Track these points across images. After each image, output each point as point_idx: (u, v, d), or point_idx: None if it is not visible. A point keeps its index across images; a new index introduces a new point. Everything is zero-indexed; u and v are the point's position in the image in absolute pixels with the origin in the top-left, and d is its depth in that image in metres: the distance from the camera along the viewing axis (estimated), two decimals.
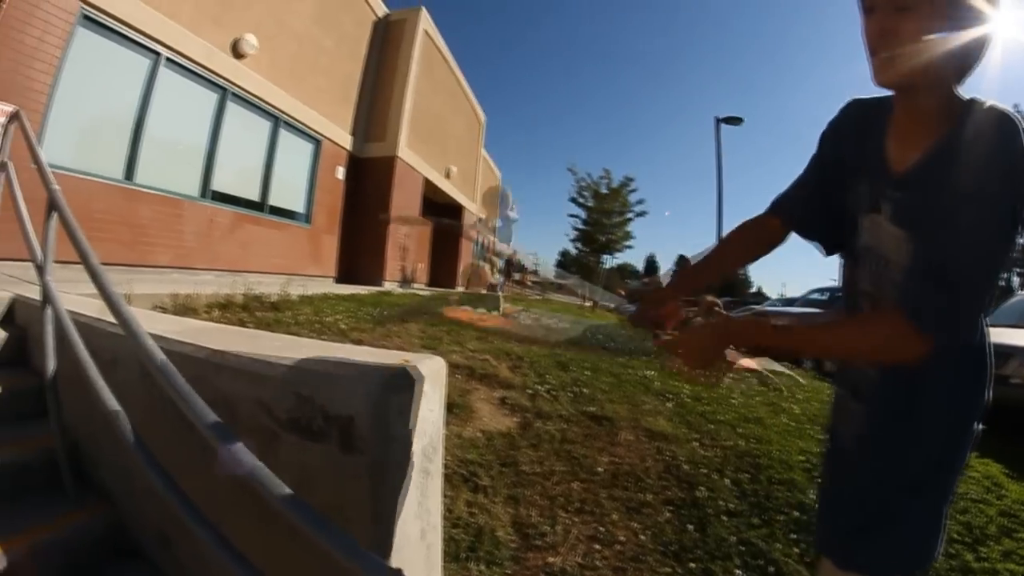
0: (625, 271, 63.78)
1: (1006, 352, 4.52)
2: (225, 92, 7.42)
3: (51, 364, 1.94)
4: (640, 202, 17.82)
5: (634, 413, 3.53)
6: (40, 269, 2.07)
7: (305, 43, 9.15)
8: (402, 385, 1.41)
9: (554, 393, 3.74)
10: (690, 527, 2.43)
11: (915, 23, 0.83)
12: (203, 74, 6.95)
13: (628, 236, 18.04)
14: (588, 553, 2.26)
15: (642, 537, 2.37)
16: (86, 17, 5.24)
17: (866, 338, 0.90)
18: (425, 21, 12.34)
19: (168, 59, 6.32)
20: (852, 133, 1.09)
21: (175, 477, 1.25)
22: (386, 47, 11.83)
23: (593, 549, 2.28)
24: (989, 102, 0.86)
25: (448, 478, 2.48)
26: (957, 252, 0.82)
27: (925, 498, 0.99)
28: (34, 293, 2.70)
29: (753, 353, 1.04)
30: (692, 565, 2.20)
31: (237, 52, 7.50)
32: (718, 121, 14.79)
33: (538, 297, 22.16)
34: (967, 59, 0.87)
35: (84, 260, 1.57)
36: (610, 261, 20.57)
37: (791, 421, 3.65)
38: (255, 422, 1.46)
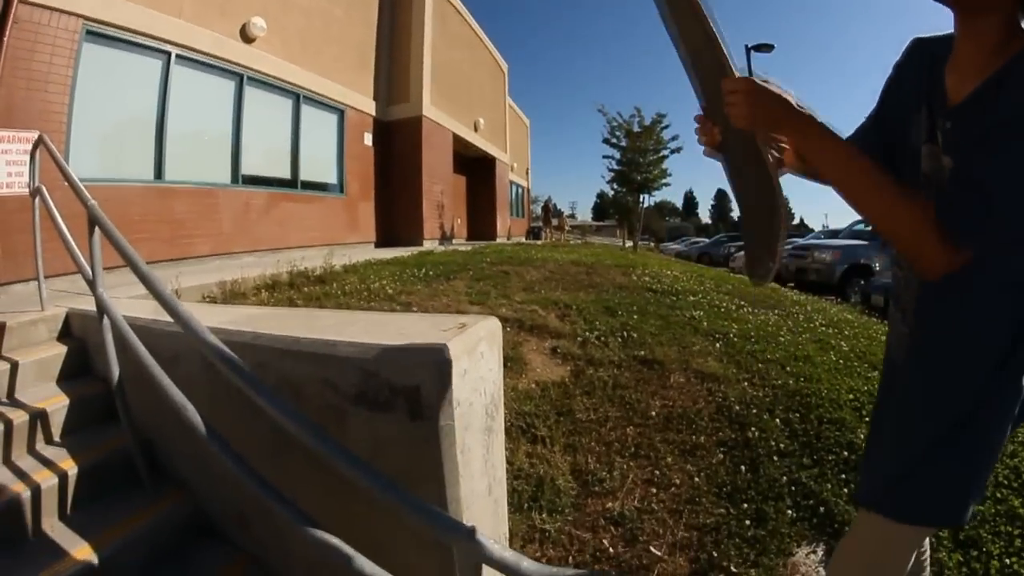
0: (665, 208, 62.11)
1: None
2: (241, 77, 7.41)
3: (115, 370, 2.03)
4: (674, 138, 16.98)
5: (683, 355, 3.52)
6: (91, 283, 2.12)
7: (314, 16, 9.01)
8: (462, 350, 1.46)
9: (603, 339, 3.75)
10: (742, 468, 2.46)
11: None
12: (216, 64, 6.94)
13: (664, 174, 17.28)
14: (645, 497, 2.32)
15: (696, 479, 2.41)
16: (90, 32, 5.28)
17: (901, 209, 0.85)
18: None
19: (179, 56, 6.33)
20: (914, 69, 1.06)
21: (247, 460, 1.32)
22: (397, 8, 11.54)
23: (650, 493, 2.35)
24: None
25: (507, 431, 2.55)
26: (998, 171, 0.79)
27: (964, 443, 0.94)
28: (83, 304, 2.82)
29: (796, 155, 1.08)
30: (745, 506, 2.23)
31: (246, 36, 7.45)
32: (748, 49, 14.27)
33: (579, 241, 22.03)
34: None
35: (133, 268, 1.62)
36: (648, 200, 19.83)
37: (840, 359, 3.57)
38: (322, 400, 1.54)
